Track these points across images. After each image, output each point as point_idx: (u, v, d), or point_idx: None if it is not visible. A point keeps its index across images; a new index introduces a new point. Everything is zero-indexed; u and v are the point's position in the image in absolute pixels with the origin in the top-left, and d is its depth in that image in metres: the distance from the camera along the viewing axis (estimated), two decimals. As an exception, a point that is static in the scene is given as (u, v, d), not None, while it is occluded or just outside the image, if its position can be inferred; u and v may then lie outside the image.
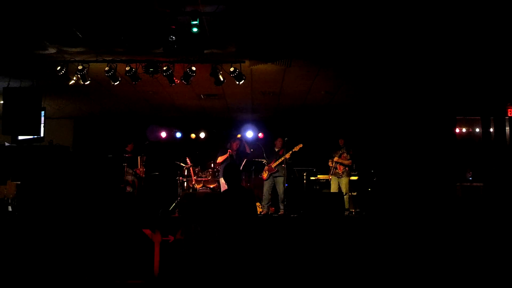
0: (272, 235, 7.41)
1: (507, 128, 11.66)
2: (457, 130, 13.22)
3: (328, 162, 10.64)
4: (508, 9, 6.07)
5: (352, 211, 10.61)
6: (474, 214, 8.38)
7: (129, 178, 10.82)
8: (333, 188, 10.46)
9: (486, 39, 7.20)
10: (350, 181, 10.59)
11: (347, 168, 10.34)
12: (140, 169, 11.05)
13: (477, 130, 13.18)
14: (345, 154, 10.39)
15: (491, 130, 12.26)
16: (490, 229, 7.37)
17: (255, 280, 4.85)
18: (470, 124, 13.33)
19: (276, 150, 10.56)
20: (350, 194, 10.56)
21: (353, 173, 10.91)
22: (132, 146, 11.18)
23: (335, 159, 10.42)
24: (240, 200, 4.91)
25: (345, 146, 10.49)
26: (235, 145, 10.53)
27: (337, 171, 10.42)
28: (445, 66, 8.57)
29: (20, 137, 9.21)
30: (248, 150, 10.76)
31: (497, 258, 6.75)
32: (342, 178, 10.34)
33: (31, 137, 9.01)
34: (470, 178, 12.48)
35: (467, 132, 13.40)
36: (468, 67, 8.57)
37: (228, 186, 5.23)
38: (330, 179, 10.63)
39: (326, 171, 11.07)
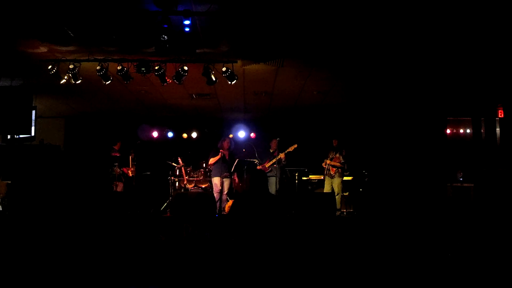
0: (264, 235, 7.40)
1: (498, 129, 11.73)
2: (448, 131, 13.30)
3: (322, 163, 10.68)
4: (499, 12, 6.12)
5: (344, 211, 10.64)
6: (464, 215, 8.42)
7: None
8: (326, 189, 10.49)
9: (478, 41, 7.24)
10: (343, 182, 10.62)
11: (339, 169, 10.36)
12: (131, 168, 11.03)
13: (468, 131, 13.26)
14: (337, 155, 10.42)
15: (482, 131, 12.34)
16: (481, 229, 7.42)
17: (248, 280, 4.85)
18: (461, 125, 13.42)
19: (271, 151, 10.58)
20: (342, 194, 10.59)
21: (346, 174, 10.94)
22: (120, 144, 11.16)
23: (328, 160, 10.45)
24: (269, 207, 4.84)
25: (338, 147, 10.51)
26: (226, 144, 10.52)
27: (329, 172, 10.45)
28: (437, 67, 8.62)
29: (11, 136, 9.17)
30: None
31: (487, 257, 6.79)
32: (334, 179, 10.36)
33: (22, 136, 8.97)
34: (461, 179, 12.57)
35: (458, 133, 13.49)
36: (460, 68, 8.61)
37: (253, 192, 5.10)
38: (317, 179, 10.69)
39: (318, 171, 11.10)
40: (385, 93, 10.67)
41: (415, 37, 7.16)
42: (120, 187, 10.77)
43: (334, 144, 10.56)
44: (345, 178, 10.82)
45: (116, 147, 11.10)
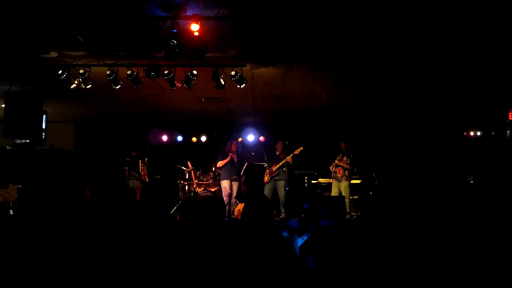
0: (272, 239, 7.39)
1: (508, 132, 11.66)
2: (458, 134, 13.21)
3: (330, 166, 10.68)
4: (508, 15, 6.10)
5: (354, 215, 10.60)
6: (475, 219, 8.35)
7: (131, 182, 10.88)
8: (334, 192, 10.48)
9: (489, 42, 7.21)
10: (352, 185, 10.58)
11: (346, 172, 10.35)
12: (142, 172, 11.11)
13: (478, 133, 13.18)
14: (344, 158, 10.41)
15: (492, 133, 12.26)
16: (492, 233, 7.36)
17: (257, 283, 4.85)
18: (471, 128, 13.33)
19: (277, 153, 10.57)
20: (351, 197, 10.55)
21: (354, 177, 10.91)
22: (136, 152, 11.31)
23: (336, 162, 10.45)
24: (258, 208, 4.90)
25: (345, 149, 10.50)
26: (234, 147, 10.53)
27: (336, 175, 10.44)
28: (446, 70, 8.58)
29: (21, 141, 9.23)
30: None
31: (499, 261, 6.74)
32: (342, 182, 10.35)
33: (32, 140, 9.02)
34: (472, 182, 12.47)
35: (469, 136, 13.40)
36: (469, 70, 8.57)
37: (248, 192, 5.23)
38: (327, 183, 10.69)
39: (327, 174, 11.07)
40: (395, 95, 10.63)
41: (425, 40, 7.14)
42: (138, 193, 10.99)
43: (342, 147, 10.56)
44: (353, 181, 10.78)
45: (133, 154, 11.25)
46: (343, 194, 10.19)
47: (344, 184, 10.33)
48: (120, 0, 6.00)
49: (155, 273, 6.90)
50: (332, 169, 10.53)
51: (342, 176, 10.36)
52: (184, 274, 7.08)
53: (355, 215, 10.65)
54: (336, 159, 10.50)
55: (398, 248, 7.25)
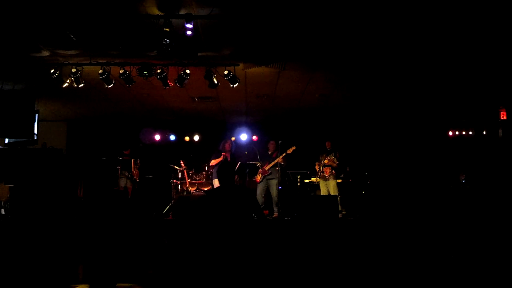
0: (265, 238, 7.41)
1: (500, 131, 11.71)
2: (450, 133, 13.27)
3: (315, 165, 10.72)
4: (499, 15, 6.13)
5: (344, 213, 10.63)
6: (468, 218, 8.40)
7: (121, 181, 10.89)
8: (323, 191, 10.50)
9: (480, 42, 7.25)
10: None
11: (333, 171, 10.37)
12: (134, 172, 11.11)
13: (470, 133, 13.23)
14: (332, 157, 10.42)
15: (484, 133, 12.31)
16: (484, 231, 7.40)
17: (248, 282, 4.85)
18: (463, 127, 13.39)
19: (270, 153, 10.57)
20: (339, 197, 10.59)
21: (341, 176, 10.96)
22: (129, 151, 11.32)
23: (325, 161, 10.45)
24: (234, 198, 4.91)
25: (332, 149, 10.52)
26: (227, 146, 10.54)
27: (324, 174, 10.46)
28: (438, 69, 8.62)
29: (12, 140, 9.17)
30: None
31: (491, 259, 6.78)
32: (329, 181, 10.37)
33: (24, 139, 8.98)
34: (464, 181, 12.53)
35: (460, 135, 13.46)
36: (461, 69, 8.61)
37: (220, 184, 5.23)
38: (318, 182, 10.70)
39: (319, 174, 11.11)
40: (387, 95, 10.67)
41: (416, 40, 7.17)
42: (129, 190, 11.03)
43: (328, 147, 10.57)
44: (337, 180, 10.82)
45: (126, 153, 11.25)
46: (332, 193, 10.21)
47: (332, 183, 10.36)
48: (112, -1, 5.99)
49: (147, 272, 6.89)
50: (318, 168, 10.56)
51: (329, 175, 10.38)
52: (177, 273, 7.06)
53: (345, 213, 10.67)
54: (325, 159, 10.50)
55: (392, 247, 7.28)
